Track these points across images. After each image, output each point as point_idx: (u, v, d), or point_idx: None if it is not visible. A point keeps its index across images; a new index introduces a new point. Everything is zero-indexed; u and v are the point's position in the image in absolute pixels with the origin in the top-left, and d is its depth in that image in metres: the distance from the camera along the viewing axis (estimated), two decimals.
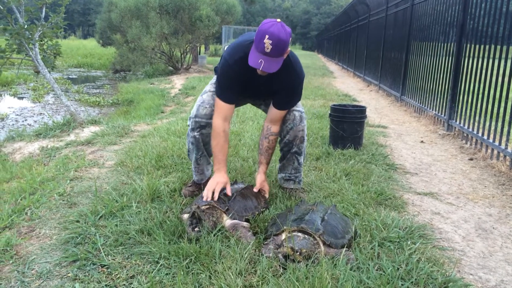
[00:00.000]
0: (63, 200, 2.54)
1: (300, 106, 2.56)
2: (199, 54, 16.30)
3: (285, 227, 1.92)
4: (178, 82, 10.08)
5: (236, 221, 2.14)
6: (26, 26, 4.47)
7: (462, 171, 3.51)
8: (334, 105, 3.95)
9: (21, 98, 8.68)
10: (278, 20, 2.15)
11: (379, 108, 6.84)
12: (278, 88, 2.37)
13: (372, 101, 7.69)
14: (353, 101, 7.25)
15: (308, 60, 23.51)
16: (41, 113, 7.24)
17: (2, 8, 4.32)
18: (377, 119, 5.63)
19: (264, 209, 2.36)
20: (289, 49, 2.20)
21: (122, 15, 11.12)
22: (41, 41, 4.85)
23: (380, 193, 2.73)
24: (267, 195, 2.52)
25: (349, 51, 14.84)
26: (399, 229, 2.16)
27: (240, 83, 2.33)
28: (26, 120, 6.66)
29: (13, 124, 6.36)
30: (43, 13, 4.69)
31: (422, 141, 4.54)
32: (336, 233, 1.93)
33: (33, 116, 6.95)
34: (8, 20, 4.39)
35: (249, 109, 5.67)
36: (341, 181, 2.93)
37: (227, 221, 2.13)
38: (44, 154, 3.88)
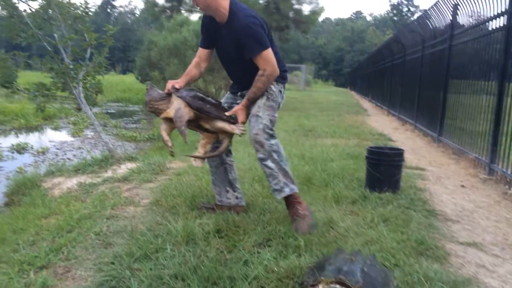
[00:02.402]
0: (99, 240, 2.55)
1: (257, 108, 2.71)
2: None
3: (322, 278, 1.85)
4: None
5: (180, 112, 2.65)
6: (71, 66, 4.67)
7: (507, 219, 3.34)
8: (370, 147, 3.88)
9: (62, 131, 9.01)
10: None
11: (416, 148, 6.69)
12: (235, 36, 2.63)
13: (408, 141, 7.55)
14: (388, 141, 7.13)
15: (342, 97, 23.52)
16: (80, 147, 7.47)
17: (49, 48, 4.55)
18: (414, 161, 5.50)
19: (226, 118, 2.68)
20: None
21: (161, 53, 11.53)
22: (84, 79, 5.04)
23: (421, 242, 2.62)
24: (239, 120, 2.71)
25: (383, 89, 14.76)
26: (443, 283, 2.05)
27: (210, 33, 2.78)
28: (65, 154, 6.88)
29: (53, 158, 6.57)
30: (88, 54, 4.89)
31: (462, 186, 4.38)
32: (376, 285, 1.84)
33: (72, 150, 7.18)
34: (55, 60, 4.60)
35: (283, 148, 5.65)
36: (379, 227, 2.84)
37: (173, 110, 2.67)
38: (82, 190, 3.96)
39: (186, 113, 2.67)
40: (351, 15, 70.44)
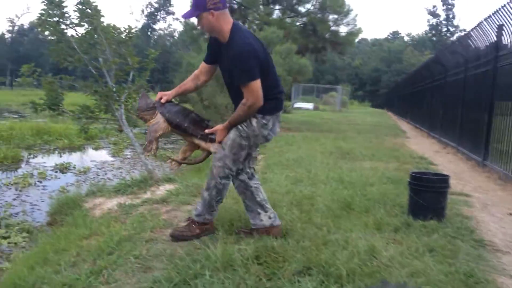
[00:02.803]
0: (139, 264, 2.55)
1: (229, 140, 2.82)
2: None
3: None
4: None
5: (155, 126, 2.91)
6: (114, 89, 4.80)
7: None
8: (414, 172, 3.76)
9: (102, 152, 9.26)
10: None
11: (459, 173, 6.45)
12: (228, 61, 2.73)
13: (450, 164, 7.29)
14: (429, 165, 6.91)
15: (379, 118, 23.15)
16: (120, 167, 7.63)
17: (94, 72, 4.70)
18: (458, 186, 5.28)
19: (202, 137, 2.88)
20: (213, 16, 2.65)
21: None
22: (126, 101, 5.15)
23: (470, 275, 2.48)
24: (216, 139, 2.84)
25: (422, 110, 14.44)
26: None
27: (214, 49, 2.86)
28: (106, 174, 7.03)
29: (94, 177, 6.73)
30: (131, 77, 5.02)
31: (510, 214, 4.16)
32: None
33: (112, 170, 7.34)
34: (99, 83, 4.74)
35: (320, 171, 5.58)
36: (424, 258, 2.71)
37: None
38: (122, 211, 4.00)
39: (162, 128, 2.92)
40: (388, 35, 69.75)
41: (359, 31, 15.96)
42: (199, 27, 2.88)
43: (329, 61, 33.71)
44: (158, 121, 2.92)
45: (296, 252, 2.69)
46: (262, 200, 3.05)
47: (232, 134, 2.83)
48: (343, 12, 14.96)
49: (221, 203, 3.07)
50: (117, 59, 4.77)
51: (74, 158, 8.26)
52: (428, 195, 3.51)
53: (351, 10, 15.19)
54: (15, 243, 3.67)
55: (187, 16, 2.77)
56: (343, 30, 15.82)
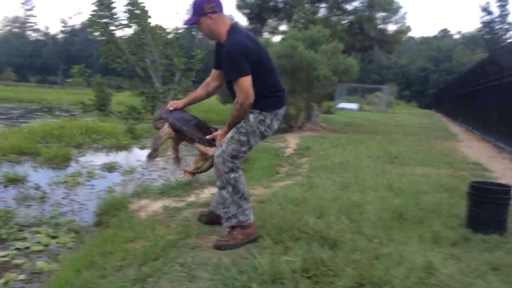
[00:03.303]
0: (184, 272, 2.49)
1: (226, 138, 2.88)
2: (313, 112, 16.39)
3: None
4: (292, 141, 10.12)
5: (160, 132, 3.08)
6: (161, 90, 4.81)
7: None
8: (474, 182, 3.51)
9: (148, 151, 9.38)
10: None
11: None
12: (222, 57, 2.81)
13: (508, 171, 6.86)
14: (484, 171, 6.52)
15: (427, 119, 22.36)
16: (164, 168, 7.70)
17: (141, 74, 4.72)
18: None
19: (201, 141, 3.04)
20: (211, 19, 2.75)
21: None
22: None
23: None
24: (216, 144, 2.95)
25: (475, 112, 13.77)
26: None
27: (219, 53, 2.90)
28: (151, 174, 7.10)
29: (139, 177, 6.82)
30: (177, 78, 5.02)
31: None
32: None
33: (157, 171, 7.41)
34: (146, 84, 4.76)
35: (368, 176, 5.37)
36: (488, 277, 2.50)
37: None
38: (167, 214, 3.97)
39: (165, 134, 3.09)
40: (438, 33, 67.37)
41: (408, 29, 15.46)
42: (199, 32, 3.07)
43: (375, 60, 32.92)
44: (163, 127, 3.10)
45: (347, 265, 2.55)
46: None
47: (230, 132, 2.90)
48: (391, 9, 14.52)
49: (249, 203, 3.01)
50: (164, 60, 4.79)
51: (120, 158, 8.40)
52: (489, 206, 3.26)
53: (400, 7, 14.73)
54: (63, 244, 3.72)
55: (187, 22, 2.87)
56: (391, 28, 15.37)
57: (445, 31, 67.15)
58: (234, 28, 2.86)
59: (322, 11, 16.38)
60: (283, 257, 2.62)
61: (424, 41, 63.02)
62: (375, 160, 6.92)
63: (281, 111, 2.99)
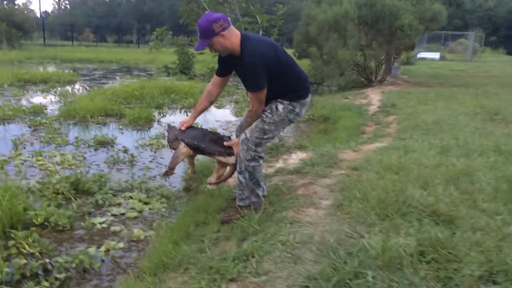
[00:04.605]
0: (287, 252, 2.33)
1: (249, 128, 2.96)
2: (392, 64, 15.42)
3: None
4: (374, 97, 9.56)
5: (177, 153, 3.28)
6: None
7: None
8: None
9: (225, 110, 9.33)
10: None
11: None
12: (242, 68, 2.83)
13: None
14: None
15: None
16: None
17: None
18: None
19: (220, 154, 3.19)
20: (223, 37, 2.73)
21: (320, 28, 11.11)
22: None
23: None
24: (233, 151, 3.11)
25: None
26: None
27: (226, 61, 2.98)
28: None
29: None
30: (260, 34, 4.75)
31: None
32: None
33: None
34: None
35: (469, 137, 4.86)
36: None
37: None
38: None
39: (183, 153, 3.28)
40: None
41: None
42: (212, 52, 2.99)
43: (464, 3, 29.85)
44: (180, 147, 3.28)
45: (470, 249, 2.24)
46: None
47: (254, 122, 2.98)
48: None
49: (263, 190, 3.14)
50: (246, 18, 4.51)
51: (200, 118, 8.40)
52: None
53: None
54: (156, 210, 3.73)
55: (199, 48, 2.82)
56: None
57: None
58: (246, 37, 2.85)
59: None
60: (394, 238, 2.36)
61: None
62: (473, 118, 6.30)
63: (308, 99, 3.10)
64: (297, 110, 3.03)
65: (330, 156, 4.25)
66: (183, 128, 3.29)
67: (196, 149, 3.28)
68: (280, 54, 2.89)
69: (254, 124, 2.96)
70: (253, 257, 2.32)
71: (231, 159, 3.19)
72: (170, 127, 3.51)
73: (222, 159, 3.23)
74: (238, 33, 2.83)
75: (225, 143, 3.18)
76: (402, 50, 13.68)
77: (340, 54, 10.83)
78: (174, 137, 3.35)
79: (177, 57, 4.35)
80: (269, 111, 2.96)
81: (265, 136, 2.97)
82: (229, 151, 3.17)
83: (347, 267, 2.08)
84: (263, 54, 2.77)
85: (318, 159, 4.16)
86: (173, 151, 3.38)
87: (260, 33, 4.83)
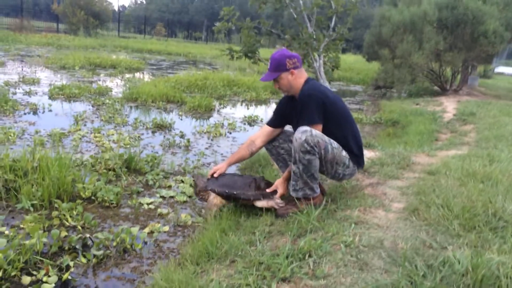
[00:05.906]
0: (351, 255, 1.96)
1: (300, 132, 2.60)
2: (470, 74, 14.38)
3: None
4: (449, 105, 8.84)
5: (209, 203, 2.97)
6: (314, 36, 4.23)
7: None
8: None
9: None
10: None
11: None
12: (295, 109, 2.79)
13: None
14: None
15: None
16: None
17: (296, 16, 4.18)
18: None
19: (256, 197, 2.80)
20: (293, 74, 2.74)
21: (394, 29, 10.49)
22: (324, 52, 4.56)
23: None
24: (277, 194, 2.81)
25: None
26: None
27: (283, 112, 2.96)
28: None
29: None
30: (333, 23, 4.38)
31: None
32: None
33: None
34: (299, 29, 4.22)
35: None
36: None
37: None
38: None
39: (215, 204, 2.94)
40: None
41: None
42: (276, 87, 2.89)
43: None
44: (211, 197, 2.98)
45: None
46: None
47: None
48: None
49: (318, 180, 2.72)
50: (319, 1, 4.16)
51: (259, 111, 8.16)
52: None
53: None
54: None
55: (266, 79, 2.78)
56: None
57: None
58: (311, 80, 2.85)
59: None
60: (487, 254, 1.92)
61: None
62: None
63: (357, 174, 2.99)
64: (347, 171, 2.81)
65: (402, 157, 3.81)
66: (215, 175, 3.00)
67: (228, 198, 2.92)
68: (338, 100, 2.80)
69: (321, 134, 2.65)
70: (310, 256, 1.98)
71: (275, 204, 2.79)
72: (197, 177, 3.17)
73: (264, 204, 2.82)
74: (306, 75, 2.83)
75: (268, 190, 2.83)
76: (481, 60, 12.66)
77: (414, 58, 10.14)
78: (203, 187, 3.01)
79: (243, 39, 4.15)
80: (336, 145, 2.70)
81: (326, 147, 2.64)
82: (266, 193, 2.83)
83: (427, 282, 1.69)
84: (321, 90, 2.73)
85: (387, 159, 3.74)
86: (204, 202, 3.14)
87: (333, 20, 4.45)
